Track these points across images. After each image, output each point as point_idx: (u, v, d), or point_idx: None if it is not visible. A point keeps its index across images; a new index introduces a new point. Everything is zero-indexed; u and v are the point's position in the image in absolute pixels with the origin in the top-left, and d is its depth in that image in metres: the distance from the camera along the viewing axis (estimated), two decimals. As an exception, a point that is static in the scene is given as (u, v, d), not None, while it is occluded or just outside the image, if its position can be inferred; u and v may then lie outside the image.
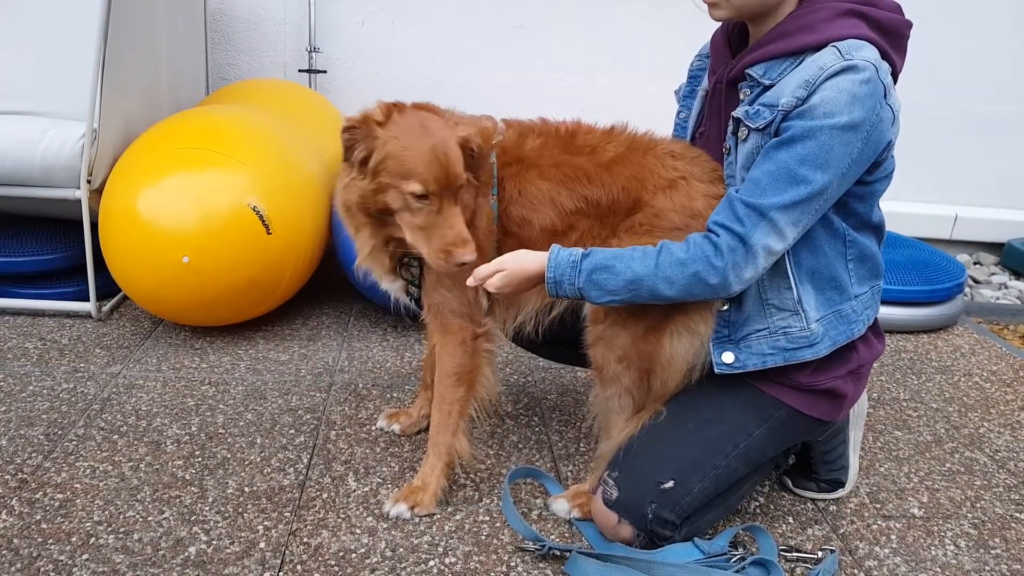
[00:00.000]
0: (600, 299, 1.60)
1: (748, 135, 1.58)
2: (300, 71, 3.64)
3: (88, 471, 1.89)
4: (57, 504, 1.77)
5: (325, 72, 3.67)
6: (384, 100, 1.65)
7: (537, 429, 2.21)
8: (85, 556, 1.61)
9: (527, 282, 1.63)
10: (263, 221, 2.40)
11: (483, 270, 1.61)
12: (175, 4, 3.09)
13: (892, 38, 1.57)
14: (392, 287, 1.85)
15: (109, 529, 1.69)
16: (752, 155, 1.59)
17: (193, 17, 3.33)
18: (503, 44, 3.75)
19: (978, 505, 1.99)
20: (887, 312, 2.96)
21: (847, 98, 1.47)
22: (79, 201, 2.55)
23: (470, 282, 1.62)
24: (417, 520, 1.78)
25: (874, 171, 1.59)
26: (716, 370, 1.69)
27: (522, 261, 1.61)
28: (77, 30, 2.58)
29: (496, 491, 1.91)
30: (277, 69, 3.71)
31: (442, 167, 1.57)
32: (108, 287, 2.70)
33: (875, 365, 2.73)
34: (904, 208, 3.86)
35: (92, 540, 1.66)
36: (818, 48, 1.53)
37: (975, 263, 4.14)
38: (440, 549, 1.69)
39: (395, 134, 1.58)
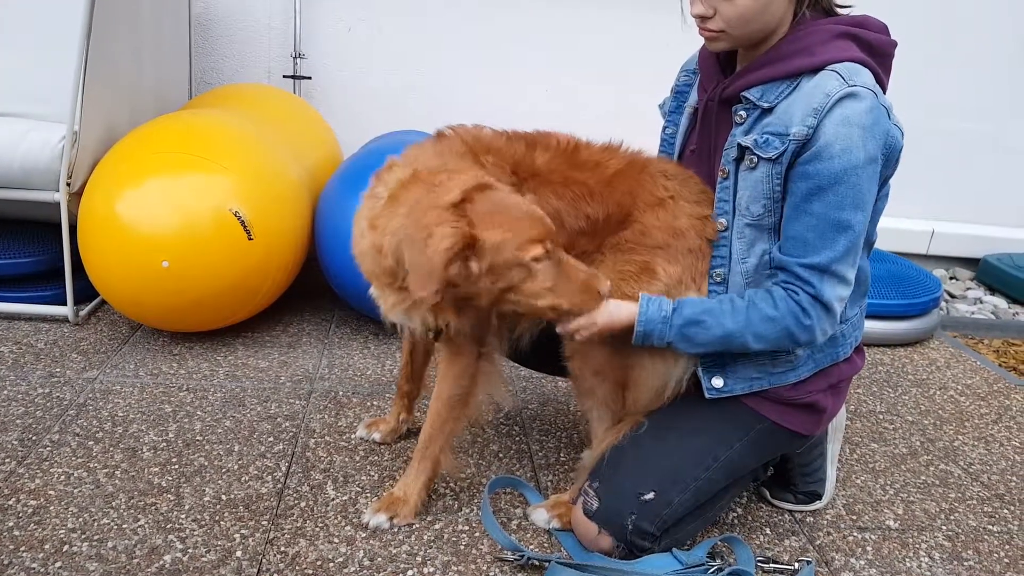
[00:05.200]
0: (689, 350, 1.63)
1: (757, 163, 1.59)
2: (285, 77, 3.62)
3: (62, 477, 1.87)
4: (30, 511, 1.74)
5: (310, 78, 3.65)
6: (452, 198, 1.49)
7: (518, 439, 2.21)
8: (58, 564, 1.59)
9: (613, 333, 1.63)
10: (244, 227, 2.39)
11: (579, 324, 1.59)
12: (159, 7, 3.08)
13: (881, 59, 1.59)
14: (403, 318, 1.68)
15: (83, 536, 1.67)
16: (761, 183, 1.59)
17: (177, 20, 3.31)
18: (489, 53, 3.75)
19: (952, 517, 2.02)
20: (865, 325, 2.98)
21: (859, 132, 1.49)
22: (58, 204, 2.53)
23: (580, 337, 1.61)
24: (396, 529, 1.77)
25: (881, 188, 1.63)
26: (707, 395, 1.70)
27: (612, 315, 1.60)
28: (60, 31, 2.56)
29: (476, 500, 1.90)
30: (261, 74, 3.69)
31: (539, 221, 1.52)
32: (86, 291, 2.67)
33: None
34: (882, 223, 3.78)
35: (66, 548, 1.63)
36: (815, 70, 1.54)
37: (951, 278, 4.19)
38: (419, 559, 1.69)
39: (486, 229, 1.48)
